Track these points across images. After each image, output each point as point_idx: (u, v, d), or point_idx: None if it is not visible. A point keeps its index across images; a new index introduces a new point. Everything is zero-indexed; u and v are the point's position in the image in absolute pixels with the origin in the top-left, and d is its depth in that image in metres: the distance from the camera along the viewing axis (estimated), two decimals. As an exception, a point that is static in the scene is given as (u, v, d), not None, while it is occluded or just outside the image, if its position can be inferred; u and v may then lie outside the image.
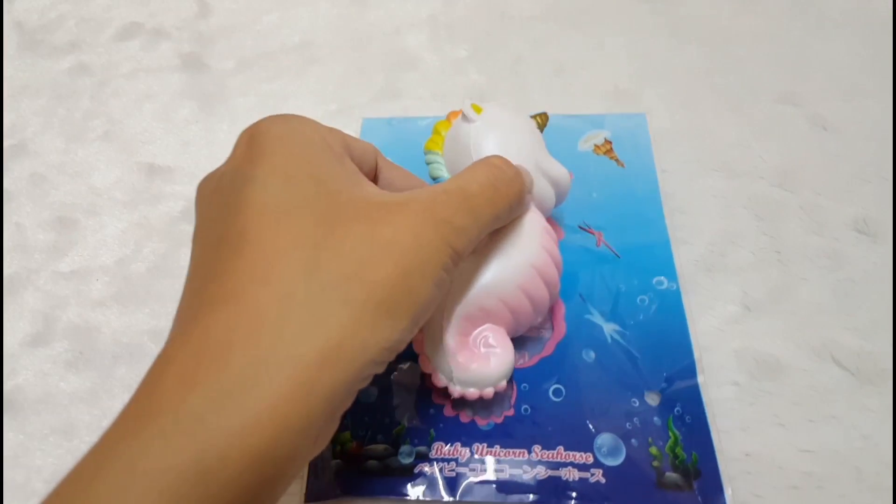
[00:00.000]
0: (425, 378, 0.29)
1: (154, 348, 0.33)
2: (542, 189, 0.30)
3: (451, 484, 0.26)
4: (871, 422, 0.28)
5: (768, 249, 0.34)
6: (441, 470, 0.27)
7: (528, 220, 0.29)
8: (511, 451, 0.27)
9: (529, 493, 0.26)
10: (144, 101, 0.44)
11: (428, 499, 0.26)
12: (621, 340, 0.30)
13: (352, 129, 0.41)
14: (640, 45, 0.44)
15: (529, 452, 0.27)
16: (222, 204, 0.21)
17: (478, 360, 0.27)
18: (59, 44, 0.48)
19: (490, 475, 0.27)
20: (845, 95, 0.40)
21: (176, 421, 0.16)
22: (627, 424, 0.28)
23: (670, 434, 0.27)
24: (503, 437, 0.28)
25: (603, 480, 0.26)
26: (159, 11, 0.50)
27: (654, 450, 0.27)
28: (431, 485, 0.27)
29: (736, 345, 0.31)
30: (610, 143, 0.37)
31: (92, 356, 0.33)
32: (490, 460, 0.27)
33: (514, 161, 0.28)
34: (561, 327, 0.31)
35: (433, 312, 0.27)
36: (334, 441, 0.28)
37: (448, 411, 0.29)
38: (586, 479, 0.26)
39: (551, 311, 0.31)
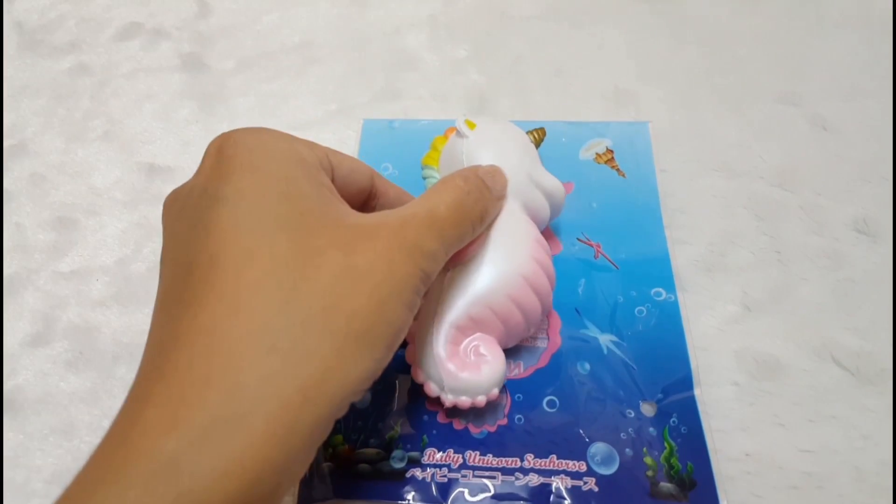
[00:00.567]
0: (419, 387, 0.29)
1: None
2: (537, 202, 0.30)
3: (443, 490, 0.26)
4: (871, 422, 0.28)
5: (768, 249, 0.34)
6: (433, 476, 0.27)
7: (520, 231, 0.29)
8: (504, 459, 0.27)
9: (522, 500, 0.26)
10: (144, 101, 0.44)
11: None
12: (618, 351, 0.30)
13: (352, 130, 0.41)
14: (640, 45, 0.44)
15: (522, 460, 0.27)
16: (191, 224, 0.20)
17: (469, 368, 0.26)
18: (59, 44, 0.48)
19: (482, 482, 0.27)
20: (845, 95, 0.40)
21: (153, 466, 0.16)
22: (622, 434, 0.28)
23: (666, 445, 0.27)
24: (496, 445, 0.28)
25: (596, 489, 0.26)
26: (159, 11, 0.50)
27: (648, 460, 0.27)
28: (423, 490, 0.26)
29: (736, 345, 0.31)
30: (612, 151, 0.37)
31: (92, 356, 0.33)
32: (482, 467, 0.27)
33: (508, 175, 0.29)
34: (556, 339, 0.31)
35: (423, 323, 0.27)
36: (326, 444, 0.28)
37: (441, 418, 0.29)
38: (579, 488, 0.26)
39: (546, 322, 0.31)
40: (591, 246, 0.34)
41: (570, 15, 0.47)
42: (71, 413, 0.31)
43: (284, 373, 0.17)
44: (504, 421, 0.28)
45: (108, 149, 0.42)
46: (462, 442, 0.28)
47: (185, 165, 0.40)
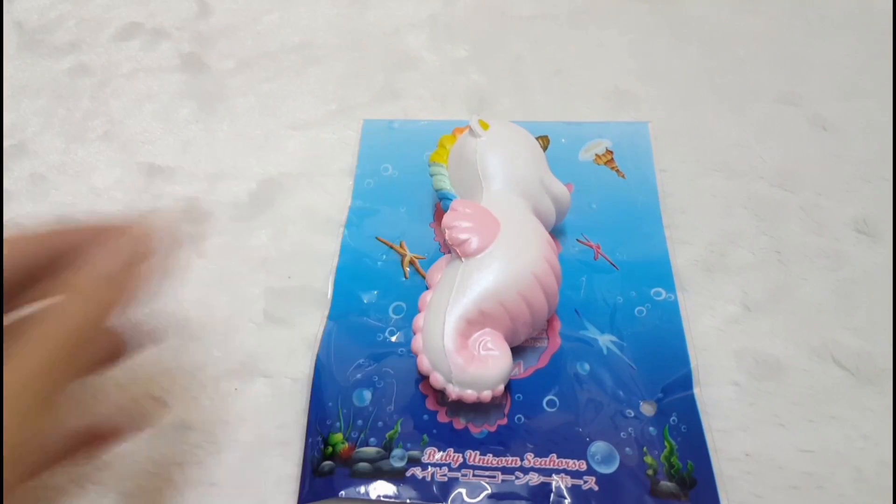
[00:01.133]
0: (420, 384, 0.29)
1: (154, 348, 0.33)
2: (546, 206, 0.31)
3: (443, 489, 0.26)
4: (871, 422, 0.28)
5: (768, 249, 0.34)
6: (433, 475, 0.27)
7: (533, 231, 0.29)
8: (504, 458, 0.27)
9: (522, 499, 0.26)
10: (144, 101, 0.44)
11: (419, 503, 0.26)
12: (618, 351, 0.30)
13: (352, 130, 0.41)
14: (640, 45, 0.44)
15: (522, 460, 0.27)
16: None
17: (476, 362, 0.27)
18: (59, 44, 0.48)
19: (482, 481, 0.27)
20: (845, 95, 0.40)
21: None
22: (622, 434, 0.28)
23: (666, 444, 0.27)
24: (496, 444, 0.28)
25: (596, 488, 0.26)
26: (159, 11, 0.50)
27: (649, 459, 0.27)
28: (423, 489, 0.26)
29: (736, 345, 0.31)
30: (611, 152, 0.37)
31: (92, 356, 0.33)
32: (482, 467, 0.27)
33: (519, 177, 0.30)
34: (556, 340, 0.31)
35: (433, 313, 0.28)
36: (326, 442, 0.28)
37: (441, 417, 0.29)
38: (579, 486, 0.26)
39: (548, 323, 0.31)
40: (591, 247, 0.34)
41: (570, 15, 0.47)
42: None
43: None
44: (504, 420, 0.28)
45: (108, 149, 0.42)
46: (462, 441, 0.28)
47: (185, 165, 0.40)
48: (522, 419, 0.28)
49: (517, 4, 0.47)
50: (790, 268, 0.33)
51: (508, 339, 0.28)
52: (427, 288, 0.32)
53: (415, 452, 0.27)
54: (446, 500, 0.26)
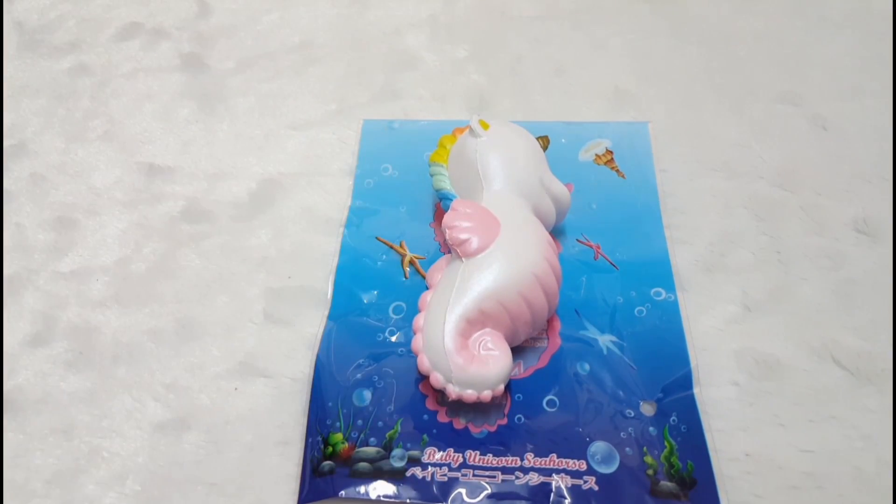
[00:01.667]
0: (420, 383, 0.29)
1: (154, 348, 0.33)
2: (546, 207, 0.31)
3: (444, 489, 0.26)
4: (871, 422, 0.28)
5: (768, 249, 0.34)
6: (433, 475, 0.27)
7: (533, 232, 0.29)
8: (504, 458, 0.27)
9: (522, 499, 0.26)
10: (144, 101, 0.44)
11: (419, 503, 0.26)
12: (618, 351, 0.30)
13: (352, 130, 0.41)
14: (640, 45, 0.44)
15: (522, 459, 0.27)
16: None
17: (476, 362, 0.27)
18: (59, 44, 0.48)
19: (482, 481, 0.27)
20: (845, 95, 0.40)
21: None
22: (622, 434, 0.28)
23: (666, 444, 0.27)
24: (496, 444, 0.28)
25: (596, 488, 0.26)
26: (159, 11, 0.50)
27: (648, 458, 0.27)
28: (423, 489, 0.26)
29: (736, 345, 0.31)
30: (611, 152, 0.37)
31: (92, 356, 0.33)
32: (482, 467, 0.27)
33: (519, 177, 0.30)
34: (556, 340, 0.31)
35: (433, 313, 0.28)
36: (326, 442, 0.28)
37: (441, 417, 0.29)
38: (579, 486, 0.26)
39: (548, 323, 0.31)
40: (591, 247, 0.34)
41: (570, 15, 0.47)
42: (71, 413, 0.31)
43: None
44: (504, 420, 0.28)
45: (108, 149, 0.42)
46: (462, 441, 0.28)
47: (185, 165, 0.40)
48: (522, 419, 0.28)
49: (517, 4, 0.47)
50: (790, 268, 0.33)
51: (509, 339, 0.28)
52: (427, 288, 0.32)
53: (415, 452, 0.27)
54: (446, 500, 0.26)
